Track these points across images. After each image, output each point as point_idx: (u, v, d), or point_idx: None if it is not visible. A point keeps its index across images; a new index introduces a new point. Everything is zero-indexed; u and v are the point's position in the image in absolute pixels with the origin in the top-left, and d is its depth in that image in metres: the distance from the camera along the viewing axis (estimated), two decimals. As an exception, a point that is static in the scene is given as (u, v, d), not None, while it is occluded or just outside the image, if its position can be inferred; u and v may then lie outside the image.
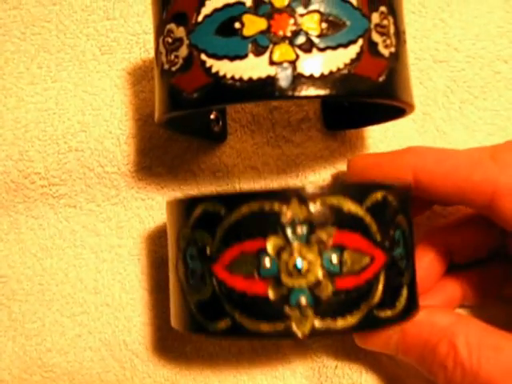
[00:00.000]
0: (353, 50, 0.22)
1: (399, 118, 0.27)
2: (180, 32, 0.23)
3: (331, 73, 0.21)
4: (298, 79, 0.21)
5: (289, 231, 0.20)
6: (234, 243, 0.21)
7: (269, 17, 0.21)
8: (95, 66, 0.31)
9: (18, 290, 0.31)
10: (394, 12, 0.24)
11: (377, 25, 0.23)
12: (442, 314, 0.24)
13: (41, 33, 0.32)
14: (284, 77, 0.21)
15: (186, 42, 0.22)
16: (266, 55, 0.21)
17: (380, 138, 0.31)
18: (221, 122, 0.30)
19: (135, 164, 0.30)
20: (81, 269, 0.31)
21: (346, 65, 0.22)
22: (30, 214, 0.31)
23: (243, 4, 0.21)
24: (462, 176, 0.24)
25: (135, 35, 0.31)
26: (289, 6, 0.21)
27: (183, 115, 0.25)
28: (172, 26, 0.23)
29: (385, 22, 0.23)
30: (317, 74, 0.21)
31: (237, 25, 0.21)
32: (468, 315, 0.25)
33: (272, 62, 0.21)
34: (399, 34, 0.24)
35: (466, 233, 0.27)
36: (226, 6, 0.22)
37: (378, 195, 0.22)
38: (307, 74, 0.21)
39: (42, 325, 0.31)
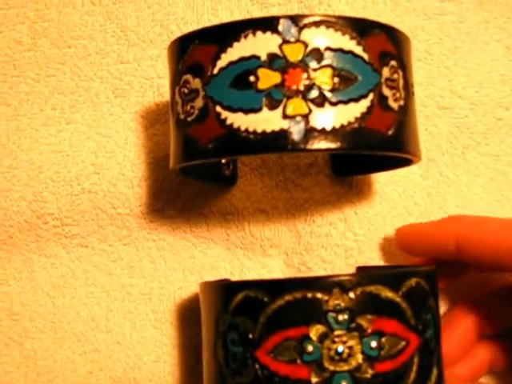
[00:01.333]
0: (364, 104, 0.23)
1: (405, 166, 0.27)
2: (196, 83, 0.23)
3: (342, 126, 0.22)
4: (310, 133, 0.22)
5: (331, 319, 0.21)
6: (278, 330, 0.22)
7: (283, 71, 0.22)
8: (109, 108, 0.32)
9: (31, 327, 0.31)
10: (403, 66, 0.25)
11: (387, 79, 0.24)
12: None
13: (55, 75, 0.32)
14: (297, 130, 0.22)
15: (202, 93, 0.23)
16: (280, 109, 0.22)
17: (386, 183, 0.31)
18: (231, 166, 0.31)
19: (147, 206, 0.31)
20: (92, 307, 0.31)
21: (356, 119, 0.22)
22: (42, 253, 0.32)
23: (258, 58, 0.22)
24: (498, 240, 0.26)
25: (149, 79, 0.32)
26: (302, 60, 0.22)
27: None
28: (188, 76, 0.24)
29: (395, 76, 0.24)
30: (328, 128, 0.22)
31: (251, 78, 0.22)
32: None
33: (285, 116, 0.22)
34: (408, 87, 0.25)
35: (497, 304, 0.29)
36: (241, 59, 0.22)
37: (413, 281, 0.23)
38: (319, 127, 0.22)
39: (53, 362, 0.31)
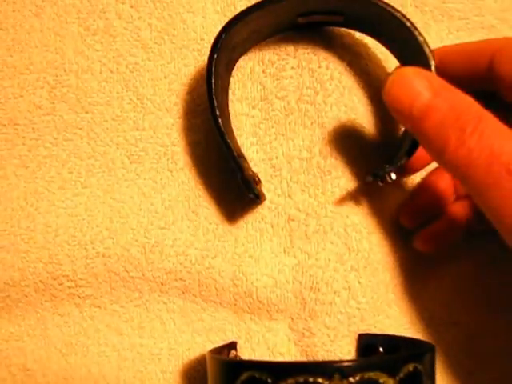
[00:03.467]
0: None
1: None
2: None
3: None
4: None
5: None
6: None
7: None
8: (124, 173, 0.33)
9: (43, 383, 0.33)
10: None
11: None
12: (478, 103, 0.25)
13: (73, 139, 0.33)
14: None
15: None
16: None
17: (388, 253, 0.33)
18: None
19: (159, 270, 0.32)
20: (103, 366, 0.33)
21: None
22: (56, 311, 0.33)
23: None
24: None
25: (163, 146, 0.33)
26: None
27: None
28: None
29: None
30: None
31: None
32: None
33: None
34: None
35: None
36: None
37: (410, 367, 0.24)
38: None
39: (64, 417, 0.32)
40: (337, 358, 0.32)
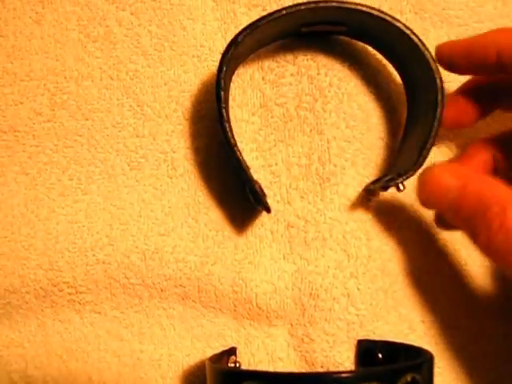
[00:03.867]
0: None
1: None
2: None
3: None
4: None
5: None
6: None
7: None
8: (124, 180, 0.33)
9: (44, 389, 0.33)
10: None
11: None
12: (502, 185, 0.26)
13: (73, 146, 0.33)
14: None
15: None
16: None
17: (389, 258, 0.33)
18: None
19: (158, 277, 0.32)
20: (104, 372, 0.33)
21: None
22: (57, 317, 0.33)
23: None
24: None
25: (163, 153, 0.33)
26: None
27: None
28: None
29: None
30: None
31: None
32: None
33: None
34: None
35: None
36: None
37: (408, 377, 0.24)
38: None
39: (65, 423, 0.33)
40: (336, 364, 0.32)
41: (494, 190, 0.25)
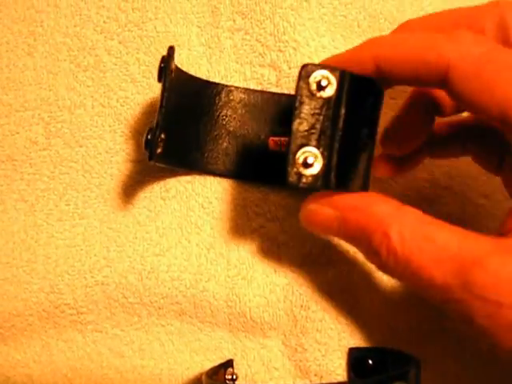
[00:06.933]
0: None
1: None
2: None
3: None
4: None
5: None
6: None
7: None
8: (119, 204, 0.34)
9: (50, 407, 0.34)
10: None
11: None
12: (382, 203, 0.25)
13: (68, 172, 0.35)
14: None
15: None
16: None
17: (376, 269, 0.34)
18: None
19: (155, 295, 0.34)
20: (107, 388, 0.34)
21: None
22: (60, 338, 0.34)
23: None
24: (416, 57, 0.25)
25: (155, 176, 0.34)
26: None
27: None
28: None
29: None
30: None
31: None
32: (407, 205, 0.25)
33: None
34: None
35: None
36: None
37: None
38: None
39: None
40: (329, 372, 0.34)
41: (372, 215, 0.24)
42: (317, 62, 0.34)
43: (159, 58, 0.35)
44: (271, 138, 0.34)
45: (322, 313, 0.34)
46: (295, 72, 0.34)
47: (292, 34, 0.34)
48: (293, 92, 0.27)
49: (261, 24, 0.35)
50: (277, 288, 0.34)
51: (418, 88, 0.29)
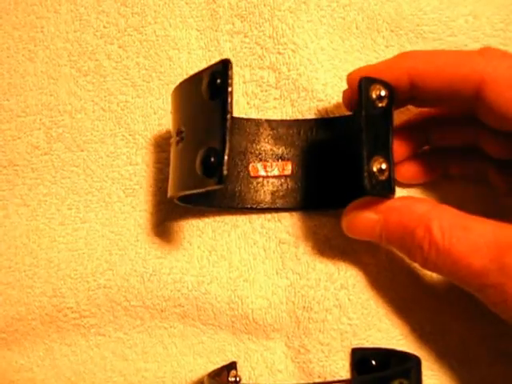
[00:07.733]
0: None
1: None
2: None
3: None
4: None
5: None
6: None
7: None
8: (120, 207, 0.35)
9: (54, 411, 0.34)
10: None
11: None
12: (420, 202, 0.27)
13: (70, 177, 0.35)
14: None
15: None
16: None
17: (378, 270, 0.34)
18: None
19: (158, 298, 0.34)
20: (111, 391, 0.34)
21: None
22: (63, 341, 0.34)
23: None
24: (451, 71, 0.27)
25: (156, 179, 0.35)
26: None
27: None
28: None
29: None
30: None
31: None
32: (443, 203, 0.27)
33: None
34: None
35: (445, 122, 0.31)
36: None
37: (396, 383, 0.26)
38: None
39: None
40: (332, 373, 0.33)
41: (413, 213, 0.27)
42: (315, 63, 0.34)
43: (159, 61, 0.35)
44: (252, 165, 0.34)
45: (324, 314, 0.34)
46: (294, 74, 0.34)
47: (291, 36, 0.35)
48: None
49: (260, 27, 0.35)
50: (279, 289, 0.34)
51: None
